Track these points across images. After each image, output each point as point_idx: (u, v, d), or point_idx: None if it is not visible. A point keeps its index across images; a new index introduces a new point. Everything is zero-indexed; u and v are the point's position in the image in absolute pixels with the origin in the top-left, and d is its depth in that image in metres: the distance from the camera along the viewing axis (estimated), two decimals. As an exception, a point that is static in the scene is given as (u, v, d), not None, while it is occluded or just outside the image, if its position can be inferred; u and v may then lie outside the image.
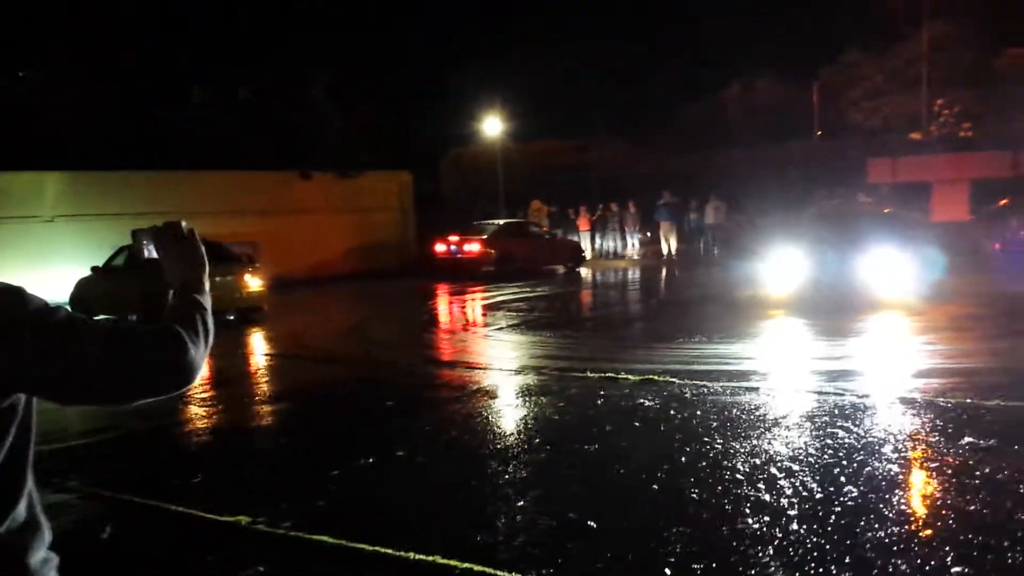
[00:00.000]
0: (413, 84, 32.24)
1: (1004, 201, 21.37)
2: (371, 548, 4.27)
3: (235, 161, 22.03)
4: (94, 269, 14.37)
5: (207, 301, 1.76)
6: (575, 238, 28.01)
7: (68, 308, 1.56)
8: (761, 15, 33.78)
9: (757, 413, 6.73)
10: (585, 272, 23.46)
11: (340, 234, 22.85)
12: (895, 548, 4.01)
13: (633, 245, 27.82)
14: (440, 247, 22.74)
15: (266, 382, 9.37)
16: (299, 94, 24.52)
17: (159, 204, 18.43)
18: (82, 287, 14.63)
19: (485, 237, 22.15)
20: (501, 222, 24.09)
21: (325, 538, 4.45)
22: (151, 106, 23.03)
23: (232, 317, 13.68)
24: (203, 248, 1.83)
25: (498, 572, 3.95)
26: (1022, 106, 26.93)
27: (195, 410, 7.78)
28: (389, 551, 4.22)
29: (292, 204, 22.42)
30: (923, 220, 20.94)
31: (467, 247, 21.98)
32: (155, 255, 1.86)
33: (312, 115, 24.29)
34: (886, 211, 18.07)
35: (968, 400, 6.82)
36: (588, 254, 27.78)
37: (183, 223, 1.85)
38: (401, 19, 33.48)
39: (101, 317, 12.56)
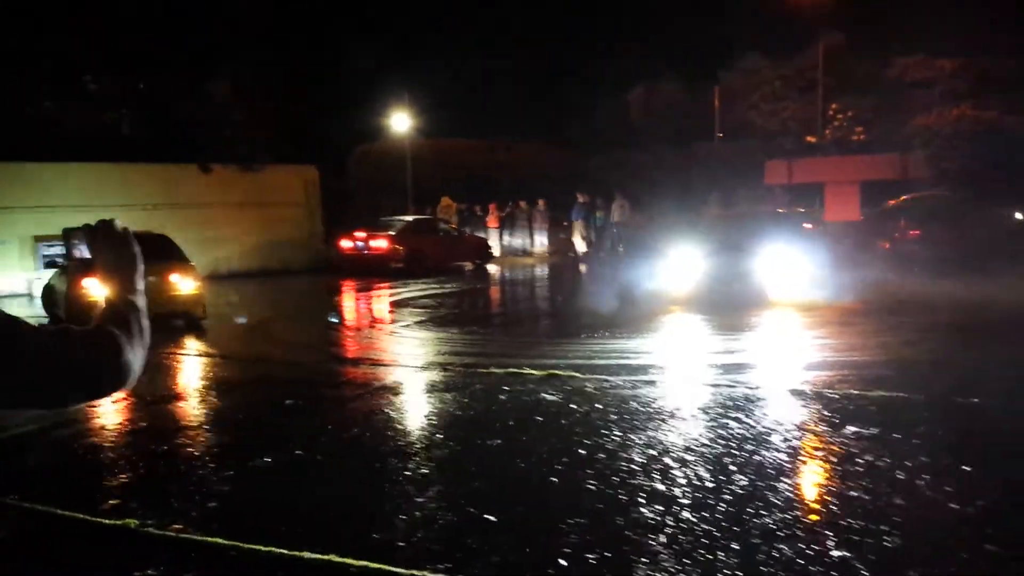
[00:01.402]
0: (319, 79, 31.72)
1: (893, 202, 22.38)
2: (266, 549, 4.19)
3: (129, 153, 21.23)
4: (60, 267, 13.36)
5: (142, 302, 1.71)
6: (484, 235, 28.09)
7: (1, 309, 1.48)
8: (666, 19, 34.55)
9: (655, 406, 6.88)
10: (493, 269, 23.54)
11: (242, 230, 22.26)
12: (780, 534, 4.17)
13: (542, 243, 28.06)
14: (346, 244, 22.45)
15: (161, 381, 9.07)
16: (200, 87, 23.78)
17: (47, 197, 17.61)
18: (49, 290, 13.49)
19: (393, 234, 21.97)
20: (409, 219, 23.95)
21: (218, 540, 4.34)
22: (41, 97, 21.96)
23: (181, 322, 12.22)
24: (137, 247, 1.76)
25: (395, 569, 3.93)
26: (911, 112, 28.27)
27: (85, 411, 7.49)
28: (284, 551, 4.15)
29: (190, 198, 21.72)
30: (816, 220, 21.74)
31: (374, 244, 21.76)
32: (87, 254, 1.78)
33: (213, 108, 23.60)
34: (779, 211, 18.73)
35: (853, 391, 7.13)
36: (496, 251, 27.88)
37: (116, 221, 1.78)
38: (308, 14, 32.93)
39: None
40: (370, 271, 21.31)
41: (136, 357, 1.58)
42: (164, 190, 21.40)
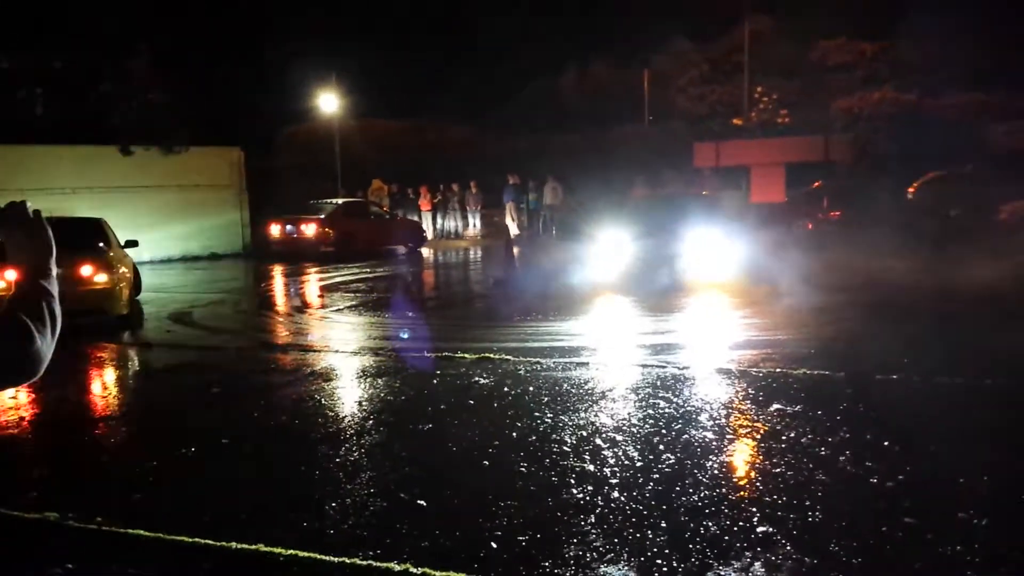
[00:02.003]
0: (244, 58, 30.96)
1: (816, 184, 22.95)
2: (191, 540, 4.11)
3: (44, 135, 20.41)
4: None
5: (54, 288, 1.64)
6: (416, 218, 27.90)
7: None
8: (597, 1, 34.67)
9: (586, 387, 6.94)
10: (427, 253, 23.41)
11: (165, 213, 21.65)
12: (707, 511, 4.25)
13: (475, 226, 28.00)
14: (275, 228, 22.04)
15: (82, 370, 8.78)
16: (118, 66, 22.93)
17: None
18: None
19: (323, 217, 21.64)
20: (340, 201, 23.61)
21: (141, 532, 4.24)
22: None
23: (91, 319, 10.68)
24: (50, 231, 1.70)
25: (324, 557, 3.89)
26: (833, 94, 29.00)
27: (2, 401, 7.22)
28: (210, 542, 4.07)
29: (109, 182, 21.03)
30: (742, 202, 22.19)
31: (304, 228, 21.41)
32: None
33: (132, 88, 22.81)
34: (704, 194, 19.04)
35: (777, 369, 7.30)
36: (429, 234, 27.73)
37: (28, 203, 1.71)
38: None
39: None
40: (300, 255, 20.99)
41: (47, 345, 1.53)
42: (82, 173, 20.68)
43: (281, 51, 31.72)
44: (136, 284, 13.11)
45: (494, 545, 3.94)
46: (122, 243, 12.43)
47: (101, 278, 10.58)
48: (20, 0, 21.50)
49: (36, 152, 20.10)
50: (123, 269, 11.37)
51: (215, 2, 29.54)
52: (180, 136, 22.27)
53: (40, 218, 1.71)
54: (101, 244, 11.45)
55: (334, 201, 23.62)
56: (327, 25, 35.41)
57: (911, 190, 20.40)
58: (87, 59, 22.61)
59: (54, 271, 1.68)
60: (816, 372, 7.17)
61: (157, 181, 21.95)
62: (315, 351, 9.25)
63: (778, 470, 4.83)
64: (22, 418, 6.82)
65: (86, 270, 10.44)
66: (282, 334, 10.92)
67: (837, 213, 20.87)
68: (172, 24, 25.27)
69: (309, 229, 21.30)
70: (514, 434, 5.71)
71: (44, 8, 21.84)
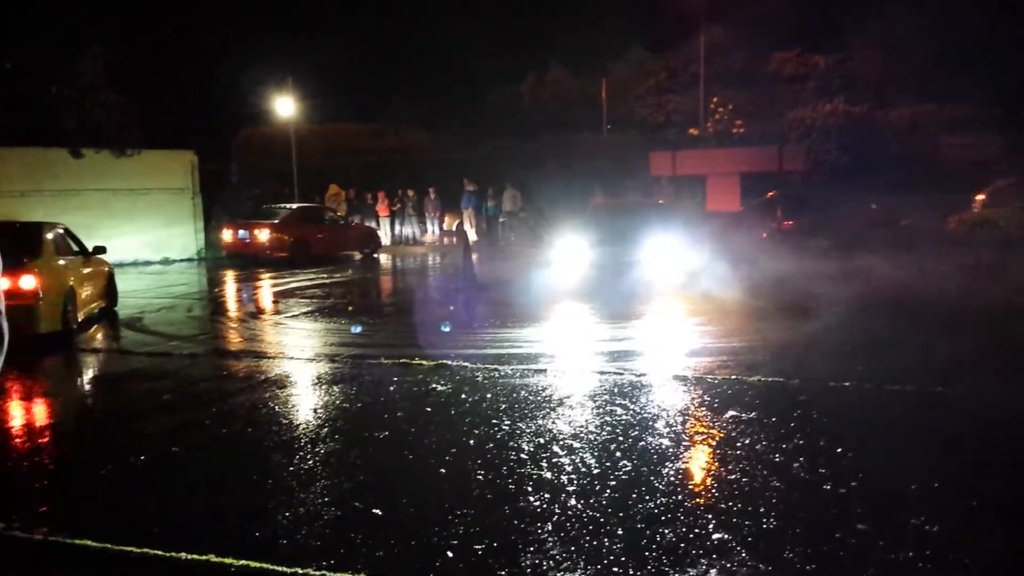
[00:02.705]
0: (199, 61, 30.52)
1: (771, 193, 23.28)
2: (139, 550, 4.01)
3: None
4: None
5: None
6: (373, 224, 27.73)
7: None
8: (556, 9, 34.80)
9: (544, 394, 6.93)
10: (384, 258, 23.26)
11: (117, 217, 21.21)
12: (663, 518, 4.25)
13: (432, 232, 27.90)
14: (227, 233, 21.71)
15: (27, 377, 8.55)
16: (68, 67, 22.43)
17: None
18: None
19: (277, 222, 21.38)
20: (294, 206, 23.37)
21: (87, 542, 4.12)
22: None
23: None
24: None
25: (277, 568, 3.82)
26: (787, 105, 29.46)
27: (-61, 411, 6.99)
28: (159, 552, 3.97)
29: (60, 184, 20.57)
30: (697, 211, 22.42)
31: (257, 232, 21.12)
32: None
33: (83, 89, 22.34)
34: (661, 203, 19.19)
35: (733, 376, 7.36)
36: (387, 240, 27.57)
37: None
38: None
39: None
40: (254, 261, 20.73)
41: None
42: (31, 176, 20.20)
43: (238, 54, 31.33)
44: (109, 294, 12.57)
45: (450, 554, 3.91)
46: (90, 249, 11.73)
47: (16, 293, 9.33)
48: None
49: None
50: (61, 281, 10.37)
51: (170, 3, 29.11)
52: (133, 138, 21.87)
53: None
54: (25, 253, 9.98)
55: (288, 206, 23.37)
56: (285, 28, 35.08)
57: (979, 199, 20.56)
58: (37, 60, 22.09)
59: None
60: (771, 379, 7.24)
61: (109, 184, 21.53)
62: (269, 357, 9.12)
63: (733, 477, 4.86)
64: (-37, 426, 6.62)
65: (2, 283, 9.12)
66: (236, 340, 10.75)
67: (790, 222, 21.18)
68: (125, 25, 24.81)
69: (263, 234, 21.02)
70: (471, 441, 5.67)
71: None
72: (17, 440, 6.27)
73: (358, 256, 22.85)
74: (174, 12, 29.03)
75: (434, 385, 7.36)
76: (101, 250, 11.95)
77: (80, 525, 4.36)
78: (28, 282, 9.54)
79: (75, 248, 11.64)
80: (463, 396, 6.94)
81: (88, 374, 9.24)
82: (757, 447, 5.38)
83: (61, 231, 11.47)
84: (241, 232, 21.42)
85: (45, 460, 5.85)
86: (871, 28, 29.12)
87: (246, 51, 31.12)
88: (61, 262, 10.75)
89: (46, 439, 6.46)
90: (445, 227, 27.14)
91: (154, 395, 7.51)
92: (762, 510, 4.34)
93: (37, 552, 4.10)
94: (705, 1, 28.40)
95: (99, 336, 11.05)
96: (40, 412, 7.25)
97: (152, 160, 22.61)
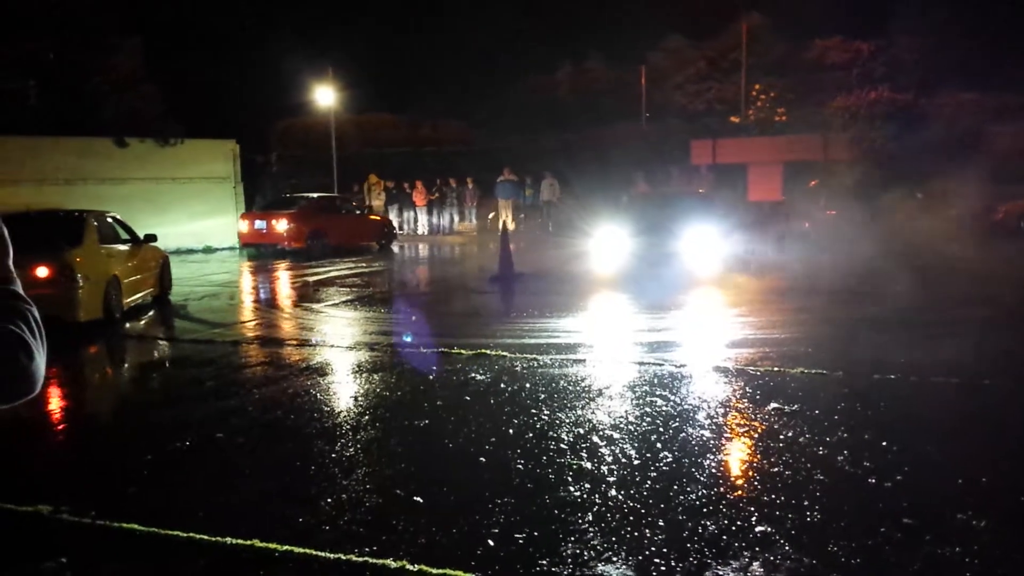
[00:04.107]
0: (240, 51, 30.84)
1: (814, 182, 22.95)
2: (185, 535, 4.07)
3: (38, 126, 20.28)
4: None
5: (21, 292, 1.50)
6: (411, 213, 27.84)
7: None
8: (593, -1, 34.58)
9: (583, 384, 6.91)
10: (420, 248, 23.34)
11: (160, 205, 21.51)
12: (705, 510, 4.22)
13: (470, 221, 27.95)
14: (243, 224, 21.32)
15: (75, 364, 8.73)
16: (112, 57, 22.78)
17: None
18: None
19: (294, 212, 21.00)
20: (312, 196, 23.07)
21: (135, 526, 4.20)
22: None
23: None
24: (4, 230, 1.54)
25: (319, 553, 3.86)
26: (830, 93, 28.97)
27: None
28: (204, 537, 4.03)
29: (105, 173, 20.92)
30: (738, 200, 22.17)
31: (275, 223, 20.78)
32: None
33: (126, 79, 22.67)
34: (700, 192, 18.98)
35: (775, 368, 7.28)
36: (424, 229, 27.65)
37: None
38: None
39: None
40: (270, 250, 20.67)
41: (43, 357, 1.42)
42: (77, 165, 20.56)
43: (277, 44, 31.61)
44: (162, 281, 12.74)
45: (491, 543, 3.92)
46: (141, 237, 11.95)
47: (55, 281, 9.52)
48: None
49: (29, 143, 19.99)
50: (103, 269, 10.51)
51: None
52: (175, 128, 22.16)
53: None
54: (67, 242, 10.19)
55: (306, 195, 23.05)
56: (322, 17, 35.27)
57: None
58: (80, 51, 22.47)
59: (15, 274, 1.52)
60: (813, 371, 7.15)
61: (152, 173, 21.84)
62: (310, 345, 9.21)
63: (776, 469, 4.80)
64: (15, 412, 6.76)
65: (41, 271, 9.47)
66: (277, 328, 10.87)
67: (834, 212, 20.88)
68: (165, 16, 25.13)
69: (280, 225, 20.66)
70: (510, 431, 5.68)
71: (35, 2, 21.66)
72: (63, 425, 6.40)
73: (375, 247, 22.70)
74: (214, 4, 29.34)
75: (473, 374, 7.38)
76: (152, 238, 12.16)
77: (127, 509, 4.44)
78: (67, 270, 9.69)
79: (124, 236, 11.83)
80: (502, 385, 6.95)
81: (132, 360, 9.40)
82: (800, 440, 5.32)
83: (108, 219, 11.67)
84: (258, 223, 21.07)
85: (92, 444, 5.97)
86: (915, 14, 28.52)
87: (285, 42, 31.39)
88: (104, 250, 10.89)
89: (93, 423, 6.59)
90: (490, 219, 26.97)
91: (198, 382, 7.61)
92: (806, 503, 4.29)
93: (86, 535, 4.19)
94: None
95: (144, 323, 11.23)
96: (87, 397, 7.39)
97: (194, 149, 22.90)
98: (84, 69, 22.57)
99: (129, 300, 11.27)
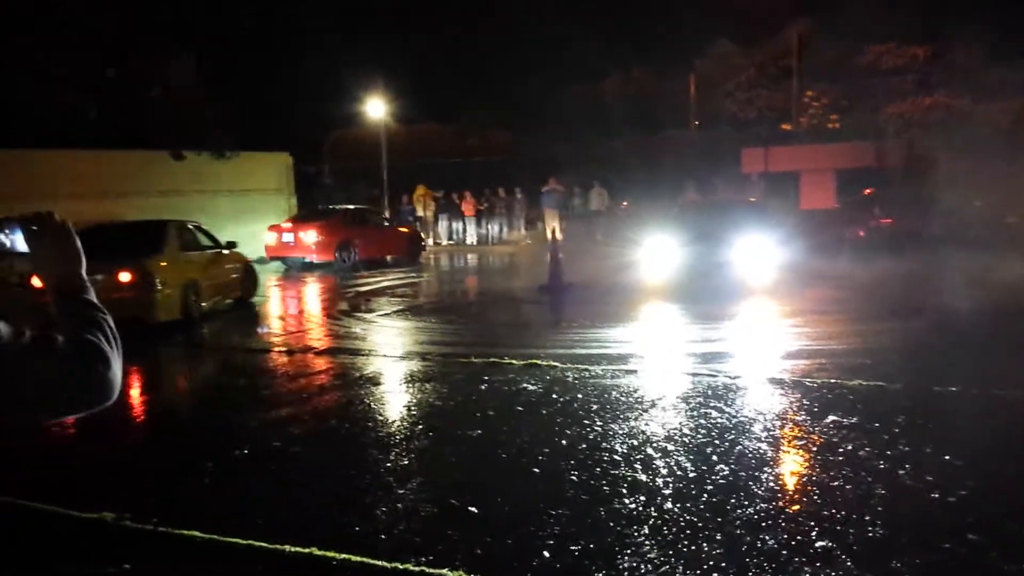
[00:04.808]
0: (291, 64, 31.34)
1: (868, 190, 22.54)
2: (245, 542, 4.13)
3: (97, 140, 20.80)
4: None
5: (95, 300, 1.56)
6: (460, 224, 27.97)
7: None
8: (640, 6, 34.44)
9: (635, 395, 6.87)
10: (470, 258, 23.42)
11: (216, 218, 21.87)
12: (764, 524, 4.17)
13: (519, 230, 28.02)
14: (271, 236, 21.05)
15: (137, 373, 8.93)
16: (167, 71, 23.30)
17: (8, 184, 17.01)
18: None
19: (322, 224, 20.67)
20: (341, 208, 22.78)
21: (196, 533, 4.27)
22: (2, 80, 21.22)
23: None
24: (78, 240, 1.60)
25: (376, 562, 3.89)
26: (883, 99, 28.48)
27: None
28: (264, 544, 4.09)
29: (162, 186, 21.37)
30: (790, 208, 21.84)
31: (302, 235, 20.56)
32: (19, 248, 1.59)
33: (182, 93, 23.16)
34: (752, 200, 18.70)
35: (832, 380, 7.16)
36: (472, 239, 27.75)
37: (55, 213, 1.61)
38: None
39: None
40: (300, 264, 20.59)
41: (119, 365, 1.47)
42: (135, 178, 21.04)
43: (329, 56, 32.06)
44: (245, 285, 13.49)
45: (547, 554, 3.91)
46: (223, 244, 12.82)
47: (136, 285, 10.40)
48: (68, 8, 21.88)
49: (89, 157, 20.51)
50: (182, 274, 11.26)
51: (261, 7, 29.93)
52: (230, 142, 22.56)
53: (69, 227, 1.61)
54: (148, 249, 11.08)
55: (338, 207, 22.82)
56: (371, 30, 35.65)
57: None
58: (137, 65, 22.99)
59: (88, 283, 1.59)
60: (872, 383, 7.01)
61: (208, 186, 22.26)
62: (363, 355, 9.31)
63: (836, 483, 4.72)
64: (78, 418, 6.94)
65: (124, 276, 10.37)
66: (331, 337, 10.97)
67: (889, 220, 20.47)
68: (218, 30, 25.62)
69: (308, 236, 20.43)
70: (563, 442, 5.67)
71: (90, 14, 22.20)
72: (126, 431, 6.55)
73: (402, 258, 22.15)
74: (266, 17, 29.87)
75: (525, 385, 7.38)
76: (233, 244, 13.08)
77: (188, 516, 4.52)
78: (146, 275, 10.58)
79: (207, 243, 12.71)
80: (554, 396, 6.94)
81: (193, 369, 9.59)
82: (860, 453, 5.22)
83: (191, 227, 12.67)
84: (286, 235, 20.78)
85: (153, 451, 6.10)
86: (972, 18, 27.91)
87: (336, 54, 31.81)
88: (184, 256, 11.78)
89: (153, 431, 6.73)
90: (549, 230, 26.76)
91: (253, 390, 7.74)
92: (867, 518, 4.21)
93: (148, 542, 4.27)
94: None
95: (216, 328, 11.44)
96: (147, 405, 7.55)
97: (249, 162, 23.29)
98: (141, 83, 23.11)
99: (209, 303, 12.04)
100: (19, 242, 1.62)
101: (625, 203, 23.00)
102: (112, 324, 1.52)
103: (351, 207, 23.56)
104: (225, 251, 12.83)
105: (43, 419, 1.43)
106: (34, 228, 1.60)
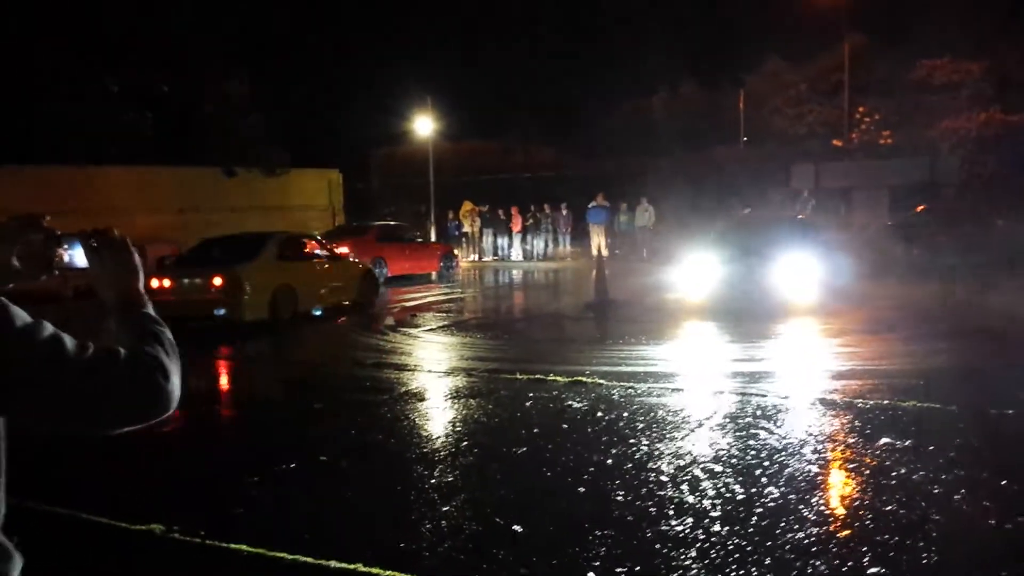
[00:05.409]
0: (340, 82, 31.81)
1: (921, 207, 22.10)
2: (291, 557, 4.16)
3: (151, 156, 21.31)
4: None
5: (154, 313, 1.61)
6: (506, 239, 28.00)
7: (50, 324, 1.40)
8: (688, 23, 34.34)
9: (682, 414, 6.80)
10: (515, 273, 23.42)
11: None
12: (814, 549, 4.08)
13: (565, 246, 28.01)
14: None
15: (186, 384, 9.07)
16: (219, 89, 23.78)
17: (68, 200, 17.48)
18: None
19: (353, 241, 20.10)
20: (375, 224, 22.76)
21: (243, 547, 4.31)
22: (61, 97, 21.79)
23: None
24: (136, 255, 1.64)
25: (421, 579, 3.89)
26: (937, 115, 27.94)
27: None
28: (309, 560, 4.12)
29: (215, 202, 21.80)
30: (842, 225, 21.49)
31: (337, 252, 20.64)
32: (78, 264, 1.64)
33: (234, 111, 23.63)
34: (800, 217, 18.34)
35: (884, 401, 7.00)
36: (517, 255, 27.75)
37: (114, 229, 1.65)
38: (329, 15, 33.03)
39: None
40: None
41: (178, 377, 1.50)
42: (187, 194, 21.51)
43: (379, 73, 32.48)
44: (361, 290, 14.88)
45: (592, 575, 3.87)
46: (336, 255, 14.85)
47: (225, 289, 12.16)
48: (123, 25, 22.43)
49: (144, 173, 21.02)
50: (270, 280, 12.68)
51: (311, 26, 30.43)
52: (281, 158, 22.94)
53: (127, 242, 1.63)
54: (242, 258, 12.82)
55: (373, 223, 22.80)
56: (418, 46, 36.03)
57: None
58: (190, 82, 23.50)
59: (147, 297, 1.62)
60: (926, 405, 6.84)
61: (259, 202, 22.67)
62: (409, 370, 9.35)
63: (889, 508, 4.61)
64: (124, 432, 7.05)
65: (216, 281, 12.18)
66: (377, 352, 11.01)
67: (943, 238, 20.02)
68: (271, 49, 26.09)
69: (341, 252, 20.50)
70: (609, 460, 5.62)
71: (146, 33, 22.73)
72: (175, 443, 6.65)
73: (433, 275, 22.07)
74: (316, 35, 30.35)
75: (570, 402, 7.35)
76: (342, 255, 15.12)
77: (235, 530, 4.56)
78: (235, 280, 12.23)
79: (319, 253, 14.43)
80: (599, 414, 6.89)
81: (240, 383, 9.71)
82: (913, 477, 5.09)
83: (299, 239, 14.54)
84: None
85: (202, 464, 6.18)
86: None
87: (386, 70, 32.21)
88: (279, 264, 13.26)
89: (202, 443, 6.82)
90: (594, 247, 26.50)
91: (301, 404, 7.82)
92: (921, 544, 4.10)
93: (196, 555, 4.32)
94: (847, 7, 27.40)
95: (249, 348, 11.59)
96: (196, 416, 7.64)
97: (299, 178, 23.68)
98: (195, 100, 23.62)
99: (311, 306, 13.56)
100: (78, 257, 1.66)
101: (747, 209, 22.53)
102: (171, 336, 1.55)
103: (385, 223, 23.44)
104: (336, 260, 14.66)
105: (105, 431, 1.46)
106: (93, 244, 1.62)
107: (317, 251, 14.55)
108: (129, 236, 1.67)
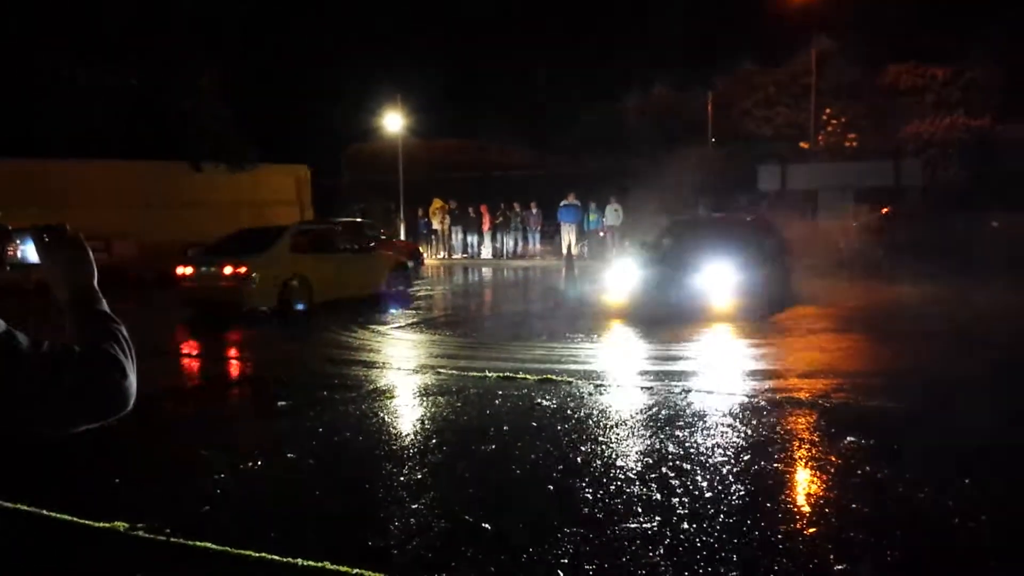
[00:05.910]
0: (310, 77, 31.58)
1: (885, 209, 22.43)
2: (257, 554, 4.11)
3: (118, 150, 20.99)
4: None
5: (108, 311, 1.57)
6: (476, 237, 27.98)
7: (3, 324, 1.37)
8: (659, 24, 34.57)
9: (651, 412, 6.82)
10: (486, 272, 23.40)
11: (235, 228, 22.02)
12: (781, 547, 4.11)
13: (534, 245, 28.04)
14: None
15: (151, 381, 8.95)
16: (188, 84, 23.45)
17: (28, 195, 17.09)
18: None
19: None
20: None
21: (208, 544, 4.26)
22: (27, 91, 21.40)
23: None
24: (91, 252, 1.60)
25: (389, 577, 3.86)
26: (903, 119, 28.37)
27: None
28: (275, 557, 4.07)
29: (181, 197, 21.53)
30: (807, 227, 21.68)
31: None
32: (31, 260, 1.59)
33: (202, 105, 23.34)
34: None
35: (850, 401, 7.09)
36: (488, 252, 27.71)
37: (68, 225, 1.61)
38: (299, 11, 32.78)
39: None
40: None
41: (134, 374, 1.48)
42: (155, 188, 21.21)
43: (346, 71, 32.28)
44: (391, 281, 15.34)
45: (560, 573, 3.87)
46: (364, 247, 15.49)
47: (233, 277, 12.83)
48: (92, 17, 22.05)
49: (109, 167, 20.68)
50: (279, 270, 13.21)
51: (281, 22, 30.18)
52: (250, 153, 22.72)
53: (81, 239, 1.59)
54: (254, 249, 13.37)
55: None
56: (390, 45, 35.91)
57: None
58: (160, 77, 23.17)
59: (101, 294, 1.59)
60: (892, 405, 6.94)
61: (227, 196, 22.41)
62: (377, 368, 9.30)
63: (854, 506, 4.66)
64: (88, 429, 6.94)
65: (227, 270, 12.89)
66: (345, 349, 10.96)
67: (907, 239, 20.34)
68: (240, 45, 25.82)
69: None
70: (578, 459, 5.63)
71: (114, 26, 22.38)
72: (138, 439, 6.54)
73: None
74: (287, 32, 30.11)
75: (539, 400, 7.35)
76: (371, 248, 15.81)
77: (201, 527, 4.51)
78: (244, 269, 12.88)
79: (344, 245, 14.95)
80: (569, 412, 6.90)
81: (206, 380, 9.59)
82: (878, 475, 5.16)
83: (320, 230, 15.18)
84: None
85: (166, 461, 6.09)
86: (992, 38, 27.79)
87: (357, 67, 32.02)
88: (293, 256, 13.72)
89: (166, 440, 6.73)
90: (565, 245, 26.31)
91: (268, 401, 7.74)
92: (885, 541, 4.15)
93: (160, 552, 4.26)
94: (816, 12, 27.71)
95: (212, 344, 11.46)
96: (161, 413, 7.54)
97: (267, 174, 23.46)
98: (166, 95, 23.29)
99: (328, 296, 13.93)
100: (30, 253, 1.61)
101: (702, 209, 22.44)
102: (126, 334, 1.52)
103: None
104: (362, 252, 15.27)
105: (61, 430, 1.42)
106: (46, 239, 1.58)
107: (343, 243, 15.14)
108: (85, 231, 1.64)
